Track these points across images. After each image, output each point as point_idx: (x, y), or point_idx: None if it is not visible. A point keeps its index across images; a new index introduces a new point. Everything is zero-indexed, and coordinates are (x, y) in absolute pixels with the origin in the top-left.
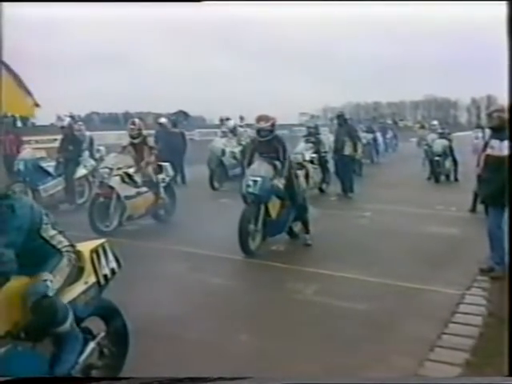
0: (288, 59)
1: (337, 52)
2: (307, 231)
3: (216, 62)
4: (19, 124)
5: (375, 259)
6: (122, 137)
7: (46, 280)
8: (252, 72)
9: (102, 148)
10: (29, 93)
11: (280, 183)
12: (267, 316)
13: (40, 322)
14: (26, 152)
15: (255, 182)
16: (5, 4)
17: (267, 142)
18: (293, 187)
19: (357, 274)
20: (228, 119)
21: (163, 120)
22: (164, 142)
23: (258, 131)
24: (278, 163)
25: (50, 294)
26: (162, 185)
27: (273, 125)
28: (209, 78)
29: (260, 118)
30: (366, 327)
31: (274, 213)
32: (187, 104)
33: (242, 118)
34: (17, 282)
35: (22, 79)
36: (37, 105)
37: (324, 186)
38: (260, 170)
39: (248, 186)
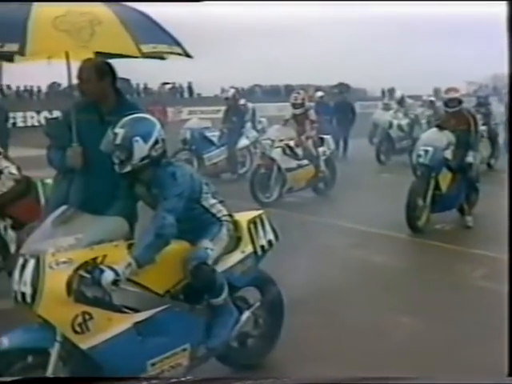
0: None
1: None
2: (469, 212)
3: (374, 32)
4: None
5: None
6: (282, 109)
7: (206, 248)
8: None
9: (263, 120)
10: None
11: (453, 155)
12: (431, 300)
13: (198, 287)
14: (193, 121)
15: (426, 151)
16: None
17: (455, 113)
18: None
19: None
20: (394, 90)
21: (320, 93)
22: (329, 113)
23: (446, 102)
24: (466, 135)
25: (209, 262)
26: (323, 158)
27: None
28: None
29: (449, 89)
30: None
31: (444, 186)
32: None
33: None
34: (177, 246)
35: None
36: (188, 56)
37: (492, 162)
38: (432, 139)
39: (419, 156)
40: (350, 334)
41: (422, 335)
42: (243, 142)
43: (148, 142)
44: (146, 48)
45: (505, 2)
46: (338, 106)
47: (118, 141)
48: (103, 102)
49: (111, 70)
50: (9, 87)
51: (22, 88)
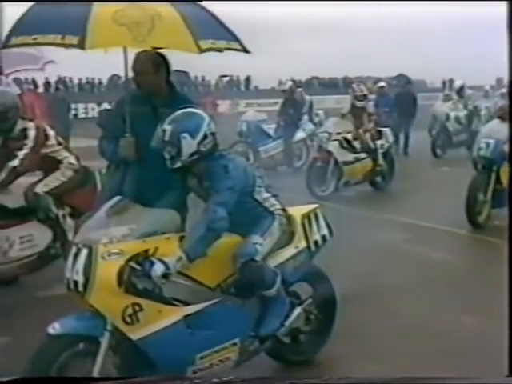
0: None
1: None
2: None
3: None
4: (242, 88)
5: None
6: (340, 101)
7: (255, 243)
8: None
9: (320, 112)
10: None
11: None
12: (491, 299)
13: (247, 283)
14: (249, 114)
15: (488, 144)
16: (5, 4)
17: None
18: None
19: None
20: (453, 80)
21: (382, 84)
22: (390, 105)
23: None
24: None
25: (258, 257)
26: (381, 151)
27: None
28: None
29: None
30: None
31: (505, 180)
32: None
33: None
34: (229, 240)
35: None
36: (246, 51)
37: None
38: (494, 131)
39: (479, 148)
40: (406, 332)
41: (482, 335)
42: (300, 134)
43: (196, 138)
44: (204, 44)
45: (505, 2)
46: (400, 98)
47: (167, 137)
48: (157, 94)
49: (166, 63)
50: (71, 79)
51: (84, 80)
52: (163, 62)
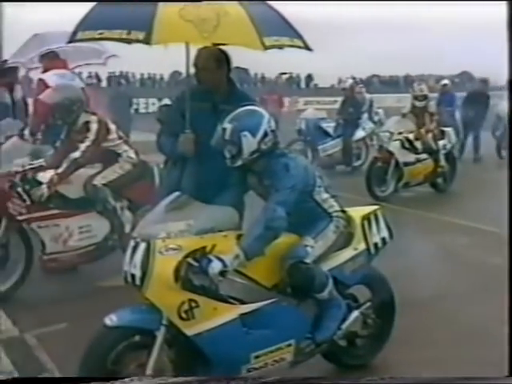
0: None
1: None
2: None
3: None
4: (302, 85)
5: None
6: (401, 100)
7: (306, 245)
8: None
9: (380, 111)
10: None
11: None
12: None
13: (296, 285)
14: (308, 112)
15: None
16: (5, 4)
17: None
18: None
19: None
20: None
21: (445, 81)
22: (453, 104)
23: None
24: None
25: (308, 260)
26: (443, 152)
27: None
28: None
29: None
30: None
31: None
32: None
33: None
34: (287, 239)
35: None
36: (308, 48)
37: None
38: None
39: None
40: (466, 337)
41: None
42: (359, 133)
43: (256, 136)
44: (268, 41)
45: (505, 2)
46: (472, 97)
47: (227, 136)
48: (217, 90)
49: (227, 59)
50: (133, 75)
51: (145, 75)
52: (225, 58)
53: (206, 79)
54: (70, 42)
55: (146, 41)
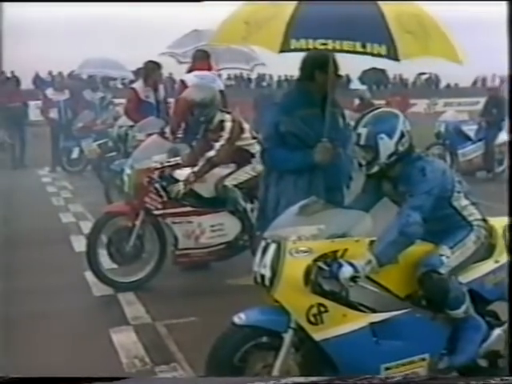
0: None
1: None
2: None
3: None
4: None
5: None
6: None
7: (442, 255)
8: None
9: None
10: None
11: None
12: None
13: (428, 295)
14: (449, 114)
15: None
16: (5, 4)
17: None
18: None
19: None
20: None
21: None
22: None
23: None
24: None
25: (442, 270)
26: None
27: None
28: None
29: None
30: None
31: None
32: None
33: None
34: (423, 247)
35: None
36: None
37: None
38: None
39: None
40: None
41: None
42: (502, 136)
43: (393, 137)
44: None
45: (505, 2)
46: None
47: (362, 141)
48: (332, 95)
49: (334, 63)
50: (271, 77)
51: (282, 78)
52: (332, 61)
53: (324, 84)
54: (280, 51)
55: (392, 56)
